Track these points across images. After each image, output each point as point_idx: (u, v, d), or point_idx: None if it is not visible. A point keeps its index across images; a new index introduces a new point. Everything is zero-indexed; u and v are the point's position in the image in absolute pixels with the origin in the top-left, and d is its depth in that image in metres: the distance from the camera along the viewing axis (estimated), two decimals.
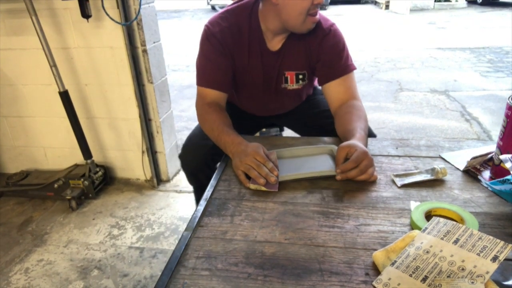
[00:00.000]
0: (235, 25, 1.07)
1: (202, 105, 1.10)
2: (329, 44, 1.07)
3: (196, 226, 0.73)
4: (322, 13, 1.10)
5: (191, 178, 1.25)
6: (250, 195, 0.83)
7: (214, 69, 1.08)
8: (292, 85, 1.17)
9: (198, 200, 1.32)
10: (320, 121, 1.29)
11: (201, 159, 1.16)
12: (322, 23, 1.07)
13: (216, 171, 0.94)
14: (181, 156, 1.23)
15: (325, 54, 1.08)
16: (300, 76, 1.16)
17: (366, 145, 0.92)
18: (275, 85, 1.17)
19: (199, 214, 0.77)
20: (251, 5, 1.08)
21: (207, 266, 0.63)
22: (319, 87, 1.30)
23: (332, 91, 1.09)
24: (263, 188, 0.83)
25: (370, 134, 1.18)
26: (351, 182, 0.86)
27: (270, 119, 1.43)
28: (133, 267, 1.48)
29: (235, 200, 0.81)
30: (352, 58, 1.12)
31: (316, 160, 0.95)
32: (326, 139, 1.09)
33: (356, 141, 0.88)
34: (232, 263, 0.64)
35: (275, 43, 1.10)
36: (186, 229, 0.72)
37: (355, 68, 1.11)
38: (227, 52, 1.08)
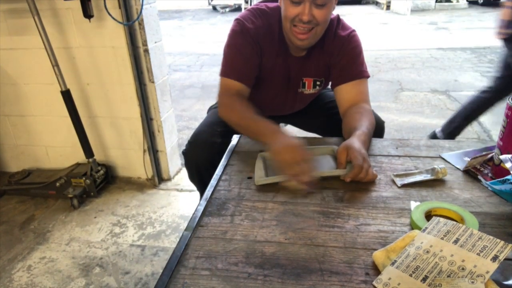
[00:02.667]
0: (267, 25, 1.08)
1: (228, 95, 1.07)
2: (346, 49, 1.09)
3: (196, 226, 0.74)
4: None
5: (195, 177, 1.22)
6: (250, 195, 0.83)
7: (244, 63, 1.07)
8: (309, 90, 1.20)
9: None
10: (324, 112, 1.30)
11: (207, 156, 1.13)
12: (341, 32, 1.09)
13: (217, 171, 0.94)
14: (185, 153, 1.18)
15: (341, 58, 1.10)
16: (318, 83, 1.18)
17: (366, 142, 0.93)
18: (292, 89, 1.19)
19: (199, 214, 0.77)
20: (279, 10, 1.09)
21: (207, 266, 0.63)
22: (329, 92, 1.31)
23: (344, 92, 1.10)
24: (300, 188, 0.81)
25: (378, 121, 1.17)
26: (352, 182, 0.86)
27: (275, 118, 1.44)
28: (135, 265, 1.49)
29: (235, 200, 0.82)
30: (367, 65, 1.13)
31: (319, 161, 0.95)
32: (327, 139, 1.09)
33: (353, 140, 0.88)
34: (232, 263, 0.64)
35: (299, 50, 1.11)
36: (186, 229, 0.73)
37: (368, 76, 1.12)
38: (258, 50, 1.08)
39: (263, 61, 1.11)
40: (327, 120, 1.29)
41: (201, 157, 1.14)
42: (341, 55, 1.09)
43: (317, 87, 1.19)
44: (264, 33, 1.07)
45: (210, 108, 1.39)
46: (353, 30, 1.11)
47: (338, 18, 1.11)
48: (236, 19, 1.09)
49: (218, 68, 1.12)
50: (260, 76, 1.15)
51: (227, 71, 1.08)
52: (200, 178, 1.20)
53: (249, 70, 1.08)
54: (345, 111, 1.09)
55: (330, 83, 1.20)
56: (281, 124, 1.58)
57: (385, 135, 1.24)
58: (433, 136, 2.42)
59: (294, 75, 1.16)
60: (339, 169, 0.88)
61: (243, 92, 1.09)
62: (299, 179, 0.80)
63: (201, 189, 1.29)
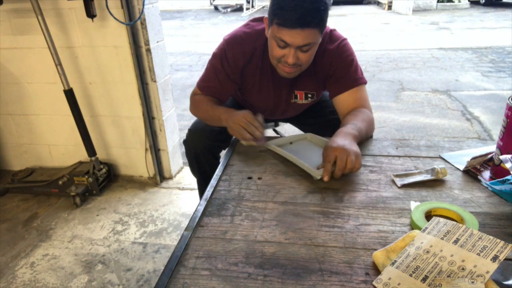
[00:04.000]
0: (251, 49, 1.10)
1: (194, 96, 1.20)
2: (338, 61, 1.10)
3: (196, 226, 0.74)
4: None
5: (194, 165, 1.26)
6: (250, 195, 0.83)
7: (216, 85, 1.16)
8: (302, 101, 1.22)
9: (202, 192, 1.33)
10: (325, 117, 1.31)
11: (205, 143, 1.20)
12: (329, 46, 1.09)
13: (217, 171, 0.95)
14: (185, 141, 1.25)
15: (334, 70, 1.10)
16: (309, 95, 1.20)
17: (349, 134, 0.92)
18: (285, 100, 1.22)
19: (199, 214, 0.77)
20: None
21: (207, 266, 0.63)
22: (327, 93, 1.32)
23: (342, 102, 1.11)
24: (253, 143, 0.99)
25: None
26: (351, 182, 0.87)
27: (275, 120, 1.45)
28: (137, 262, 1.50)
29: (235, 200, 0.82)
30: (362, 71, 1.13)
31: (312, 150, 0.99)
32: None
33: (332, 140, 0.89)
34: (232, 263, 0.64)
35: None
36: (186, 229, 0.73)
37: (365, 82, 1.12)
38: (235, 76, 1.13)
39: (247, 81, 1.16)
40: (323, 123, 1.30)
41: (200, 144, 1.20)
42: (333, 68, 1.10)
43: (310, 99, 1.21)
44: (245, 58, 1.11)
45: None
46: (343, 40, 1.11)
47: (330, 32, 1.11)
48: (224, 39, 1.14)
49: None
50: (249, 90, 1.19)
51: (201, 85, 1.19)
52: (199, 166, 1.24)
53: (220, 93, 1.17)
54: (343, 118, 1.10)
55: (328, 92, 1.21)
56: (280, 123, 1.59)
57: (386, 135, 1.25)
58: None
59: (285, 90, 1.18)
60: (315, 169, 0.88)
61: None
62: (248, 137, 0.97)
63: (200, 181, 1.32)
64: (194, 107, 1.19)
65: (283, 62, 1.01)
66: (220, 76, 1.13)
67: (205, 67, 1.19)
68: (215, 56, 1.14)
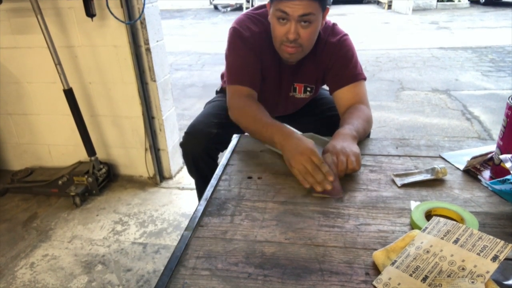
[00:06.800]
0: (264, 32, 1.10)
1: (239, 98, 1.08)
2: (338, 55, 1.10)
3: (196, 226, 0.74)
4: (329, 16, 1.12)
5: (192, 168, 1.23)
6: (250, 195, 0.83)
7: (250, 69, 1.09)
8: (300, 95, 1.22)
9: (200, 193, 1.33)
10: (323, 114, 1.31)
11: (203, 146, 1.16)
12: (331, 39, 1.10)
13: (217, 171, 0.95)
14: (182, 144, 1.20)
15: (334, 64, 1.11)
16: (308, 89, 1.21)
17: (347, 135, 0.93)
18: (284, 92, 1.22)
19: (199, 214, 0.77)
20: None
21: (207, 266, 0.63)
22: (324, 91, 1.32)
23: (341, 97, 1.11)
24: (325, 196, 0.80)
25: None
26: (351, 182, 0.87)
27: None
28: (137, 262, 1.50)
29: (235, 200, 0.82)
30: (362, 67, 1.14)
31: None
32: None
33: (330, 144, 0.90)
34: (232, 263, 0.64)
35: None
36: (186, 229, 0.73)
37: (364, 78, 1.12)
38: (258, 56, 1.11)
39: (261, 65, 1.14)
40: (321, 120, 1.30)
41: (197, 147, 1.17)
42: (333, 61, 1.11)
43: (308, 93, 1.22)
44: (261, 40, 1.10)
45: (207, 103, 1.41)
46: (344, 35, 1.12)
47: (332, 26, 1.13)
48: (233, 27, 1.11)
49: (219, 67, 1.16)
50: None
51: (236, 79, 1.09)
52: (197, 169, 1.22)
53: (255, 76, 1.11)
54: (341, 115, 1.10)
55: (327, 87, 1.21)
56: None
57: (385, 134, 1.25)
58: None
59: (285, 81, 1.18)
60: None
61: (253, 95, 1.10)
62: (316, 189, 0.81)
63: (199, 182, 1.31)
64: (240, 113, 1.06)
65: (285, 41, 1.01)
66: (248, 59, 1.08)
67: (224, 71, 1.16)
68: (233, 43, 1.10)
